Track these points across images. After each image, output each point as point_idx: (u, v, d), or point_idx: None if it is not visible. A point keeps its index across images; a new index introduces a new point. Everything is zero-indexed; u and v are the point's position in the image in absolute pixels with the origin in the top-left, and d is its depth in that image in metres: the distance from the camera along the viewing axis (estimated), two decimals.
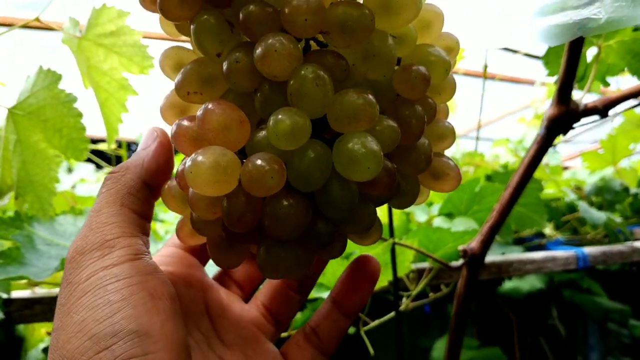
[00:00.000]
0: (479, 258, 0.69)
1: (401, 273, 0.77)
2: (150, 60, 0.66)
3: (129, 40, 0.65)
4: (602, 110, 0.62)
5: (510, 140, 2.25)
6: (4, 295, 0.66)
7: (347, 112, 0.29)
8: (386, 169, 0.31)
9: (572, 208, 1.42)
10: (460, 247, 0.70)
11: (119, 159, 1.68)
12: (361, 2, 0.30)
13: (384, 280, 0.77)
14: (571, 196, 1.28)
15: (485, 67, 1.20)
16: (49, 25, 0.67)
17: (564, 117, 0.62)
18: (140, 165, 0.34)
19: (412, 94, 0.33)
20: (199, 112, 0.29)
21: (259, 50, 0.28)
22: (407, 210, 1.06)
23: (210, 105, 0.29)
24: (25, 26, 0.66)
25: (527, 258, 1.06)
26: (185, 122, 0.31)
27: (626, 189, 1.45)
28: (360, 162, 0.28)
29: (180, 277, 0.38)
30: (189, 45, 0.36)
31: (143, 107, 0.97)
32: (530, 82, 2.44)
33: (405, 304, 0.82)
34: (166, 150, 0.35)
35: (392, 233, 0.72)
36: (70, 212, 0.70)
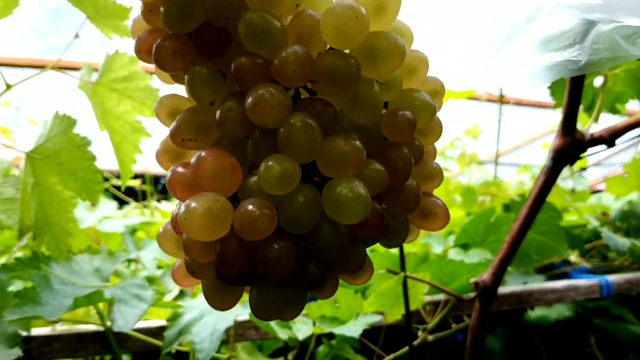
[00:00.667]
0: (491, 290, 0.69)
1: (414, 306, 0.76)
2: None
3: (141, 84, 0.67)
4: (608, 139, 0.61)
5: (534, 166, 2.24)
6: (24, 333, 0.68)
7: (335, 157, 0.30)
8: (374, 211, 0.31)
9: (597, 235, 1.39)
10: (472, 280, 0.70)
11: (144, 194, 1.71)
12: (347, 52, 0.31)
13: (397, 313, 0.77)
14: (593, 223, 1.26)
15: (501, 94, 1.20)
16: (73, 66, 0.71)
17: (569, 148, 0.61)
18: None
19: (399, 137, 0.33)
20: (192, 160, 0.30)
21: (249, 100, 0.29)
22: (424, 242, 1.06)
23: (203, 153, 0.30)
24: (53, 68, 0.69)
25: (548, 287, 1.04)
26: (180, 169, 0.32)
27: None
28: (349, 207, 0.29)
29: None
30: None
31: None
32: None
33: (421, 337, 0.82)
34: None
35: (403, 267, 0.72)
36: (87, 251, 0.72)
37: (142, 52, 0.35)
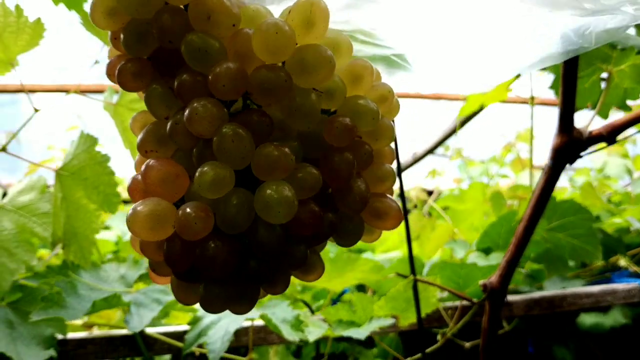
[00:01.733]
0: (499, 292, 0.69)
1: (427, 310, 0.77)
2: None
3: None
4: (607, 137, 0.61)
5: (591, 169, 2.17)
6: (60, 336, 0.74)
7: (264, 163, 0.32)
8: (311, 211, 0.34)
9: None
10: (481, 282, 0.70)
11: None
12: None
13: (411, 317, 0.78)
14: (636, 225, 1.21)
15: (532, 96, 1.19)
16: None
17: (568, 147, 0.61)
18: None
19: (339, 142, 0.36)
20: (142, 168, 0.34)
21: (186, 113, 0.33)
22: (447, 246, 1.06)
23: (150, 162, 0.34)
24: (76, 91, 0.76)
25: (583, 292, 1.02)
26: (138, 177, 0.36)
27: None
28: (272, 207, 0.32)
29: None
30: None
31: None
32: None
33: (439, 342, 0.82)
34: None
35: (412, 270, 0.73)
36: (114, 261, 0.77)
37: (111, 74, 0.39)
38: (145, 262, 0.80)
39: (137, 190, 0.36)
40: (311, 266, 0.37)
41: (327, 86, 0.36)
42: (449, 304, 0.89)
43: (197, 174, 0.32)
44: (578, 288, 1.04)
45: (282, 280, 0.37)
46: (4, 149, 0.71)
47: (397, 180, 0.77)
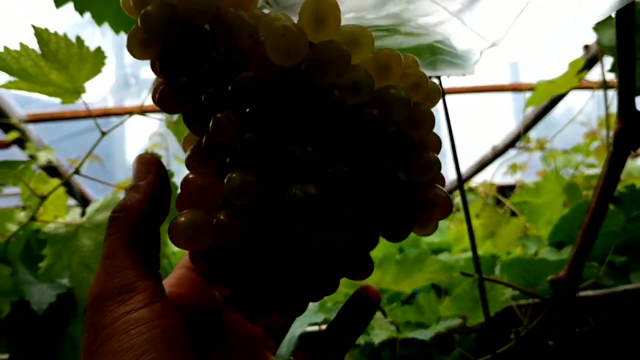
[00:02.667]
0: (569, 287, 0.66)
1: (497, 308, 0.75)
2: None
3: None
4: None
5: None
6: None
7: (289, 165, 0.34)
8: None
9: None
10: (549, 278, 0.67)
11: None
12: None
13: (479, 316, 0.76)
14: None
15: (604, 79, 1.13)
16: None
17: (629, 132, 0.58)
18: (143, 202, 0.37)
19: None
20: (182, 181, 0.36)
21: (210, 126, 0.35)
22: (519, 242, 1.02)
23: (187, 177, 0.36)
24: (139, 113, 0.81)
25: None
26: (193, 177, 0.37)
27: None
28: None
29: (193, 300, 0.41)
30: None
31: None
32: None
33: (511, 343, 0.79)
34: (164, 180, 0.38)
35: (477, 268, 0.72)
36: None
37: (155, 99, 0.41)
38: None
39: (180, 203, 0.38)
40: (358, 265, 0.38)
41: (352, 79, 0.36)
42: (523, 301, 0.86)
43: (225, 181, 0.34)
44: None
45: (329, 282, 0.38)
46: (76, 172, 0.77)
47: (458, 174, 0.76)
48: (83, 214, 0.85)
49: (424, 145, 0.39)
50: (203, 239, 0.35)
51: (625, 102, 0.57)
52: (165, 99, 0.39)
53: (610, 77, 1.17)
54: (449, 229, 1.60)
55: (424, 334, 0.71)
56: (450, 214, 0.39)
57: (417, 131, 0.38)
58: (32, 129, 2.68)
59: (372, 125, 0.36)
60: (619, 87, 0.57)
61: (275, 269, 0.35)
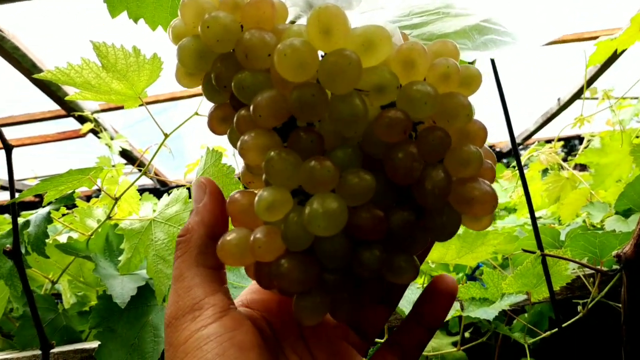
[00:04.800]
0: (634, 262, 0.64)
1: (562, 282, 0.74)
2: None
3: None
4: None
5: None
6: None
7: (306, 179, 0.35)
8: (370, 216, 0.35)
9: None
10: (614, 253, 0.66)
11: None
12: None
13: (543, 291, 0.76)
14: None
15: None
16: None
17: None
18: (202, 223, 0.39)
19: (390, 137, 0.35)
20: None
21: (237, 147, 0.37)
22: (583, 211, 0.99)
23: (232, 195, 0.38)
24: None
25: None
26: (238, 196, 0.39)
27: None
28: (313, 221, 0.33)
29: (272, 303, 0.44)
30: None
31: None
32: None
33: (578, 316, 0.79)
34: (218, 200, 0.40)
35: (539, 245, 0.71)
36: None
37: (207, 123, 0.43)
38: None
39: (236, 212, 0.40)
40: (399, 270, 0.38)
41: (375, 82, 0.35)
42: (589, 271, 0.85)
43: (255, 200, 0.35)
44: None
45: (376, 285, 0.39)
46: (146, 170, 0.81)
47: (511, 144, 0.74)
48: (155, 206, 0.90)
49: (465, 137, 0.38)
50: (248, 258, 0.37)
51: None
52: (213, 122, 0.41)
53: None
54: (518, 186, 1.55)
55: (488, 314, 0.72)
56: (494, 209, 0.39)
57: (451, 123, 0.37)
58: (104, 118, 2.82)
59: (391, 126, 0.35)
60: None
61: (309, 277, 0.36)
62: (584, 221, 0.94)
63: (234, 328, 0.37)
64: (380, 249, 0.36)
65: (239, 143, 0.36)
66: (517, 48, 0.46)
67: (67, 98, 0.77)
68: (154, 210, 0.90)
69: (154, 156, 0.90)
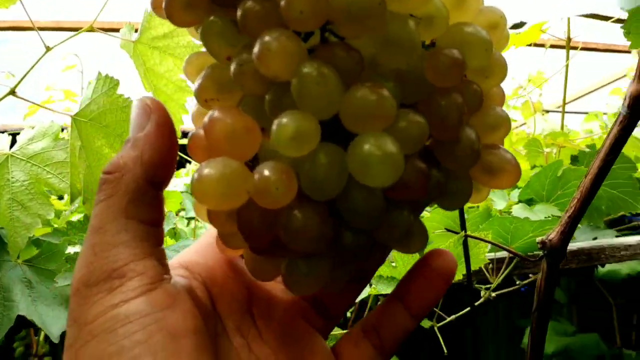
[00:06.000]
0: (559, 250, 0.63)
1: (475, 266, 0.72)
2: None
3: (182, 41, 0.65)
4: None
5: (602, 114, 2.09)
6: None
7: (358, 110, 0.26)
8: (417, 169, 0.28)
9: None
10: (539, 239, 0.65)
11: None
12: None
13: (458, 274, 0.74)
14: None
15: (569, 37, 1.11)
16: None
17: None
18: (139, 160, 0.29)
19: (444, 81, 0.29)
20: (205, 120, 0.27)
21: (255, 50, 0.26)
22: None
23: (215, 114, 0.27)
24: (90, 29, 0.68)
25: (621, 243, 0.97)
26: (200, 132, 0.29)
27: None
28: (374, 167, 0.25)
29: (217, 270, 0.34)
30: None
31: None
32: (627, 51, 2.25)
33: (484, 296, 0.78)
34: (166, 132, 0.29)
35: (463, 225, 0.68)
36: None
37: (157, 7, 0.32)
38: (172, 216, 0.74)
39: (199, 147, 0.29)
40: (414, 236, 0.31)
41: (425, 11, 0.29)
42: (490, 255, 0.84)
43: (274, 127, 0.26)
44: (615, 240, 0.99)
45: (379, 254, 0.31)
46: (13, 93, 0.64)
47: None
48: (12, 143, 0.73)
49: (490, 99, 0.33)
50: (239, 196, 0.27)
51: None
52: (176, 7, 0.30)
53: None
54: None
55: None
56: (518, 181, 0.34)
57: (488, 81, 0.32)
58: None
59: (453, 67, 0.28)
60: None
61: (329, 234, 0.28)
62: (487, 206, 0.95)
63: (166, 306, 0.27)
64: (409, 210, 0.29)
65: (258, 45, 0.26)
66: None
67: None
68: (12, 144, 0.72)
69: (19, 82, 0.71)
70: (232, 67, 0.28)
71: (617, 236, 1.07)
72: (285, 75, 0.26)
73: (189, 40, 0.66)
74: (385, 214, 0.28)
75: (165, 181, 0.30)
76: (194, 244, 0.36)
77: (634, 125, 0.57)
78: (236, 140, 0.27)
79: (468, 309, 0.73)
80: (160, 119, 0.29)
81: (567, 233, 0.63)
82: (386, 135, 0.26)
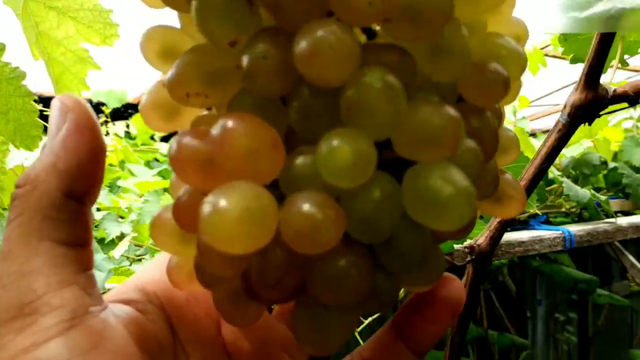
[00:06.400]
0: (487, 255, 0.63)
1: None
2: (114, 29, 0.55)
3: (87, 3, 0.54)
4: (632, 96, 0.55)
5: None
6: None
7: (422, 133, 0.21)
8: None
9: (550, 182, 1.38)
10: (467, 243, 0.64)
11: None
12: None
13: None
14: (555, 172, 1.24)
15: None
16: None
17: (590, 104, 0.55)
18: (54, 169, 0.23)
19: (486, 100, 0.25)
20: (215, 131, 0.20)
21: (303, 45, 0.19)
22: None
23: (231, 123, 0.20)
24: None
25: (515, 239, 1.01)
26: (192, 141, 0.22)
27: (605, 163, 1.41)
28: (449, 207, 0.20)
29: (180, 298, 0.29)
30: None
31: None
32: None
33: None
34: (86, 132, 0.24)
35: None
36: None
37: None
38: None
39: (195, 162, 0.22)
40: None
41: (472, 17, 0.24)
42: None
43: (322, 148, 0.20)
44: (510, 235, 1.04)
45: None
46: None
47: None
48: None
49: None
50: (267, 237, 0.20)
51: (594, 72, 0.54)
52: None
53: None
54: None
55: None
56: (523, 210, 0.31)
57: (505, 99, 0.27)
58: None
59: (499, 86, 0.25)
60: (593, 56, 0.53)
61: (368, 284, 0.22)
62: None
63: (89, 348, 0.22)
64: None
65: (307, 39, 0.19)
66: None
67: None
68: None
69: None
70: (247, 57, 0.21)
71: (508, 231, 1.11)
72: (338, 81, 0.20)
73: (96, 3, 0.55)
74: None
75: (89, 192, 0.24)
76: (157, 256, 0.30)
77: (571, 134, 0.58)
78: (261, 160, 0.20)
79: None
80: (79, 118, 0.24)
81: (496, 238, 0.63)
82: (452, 166, 0.21)
